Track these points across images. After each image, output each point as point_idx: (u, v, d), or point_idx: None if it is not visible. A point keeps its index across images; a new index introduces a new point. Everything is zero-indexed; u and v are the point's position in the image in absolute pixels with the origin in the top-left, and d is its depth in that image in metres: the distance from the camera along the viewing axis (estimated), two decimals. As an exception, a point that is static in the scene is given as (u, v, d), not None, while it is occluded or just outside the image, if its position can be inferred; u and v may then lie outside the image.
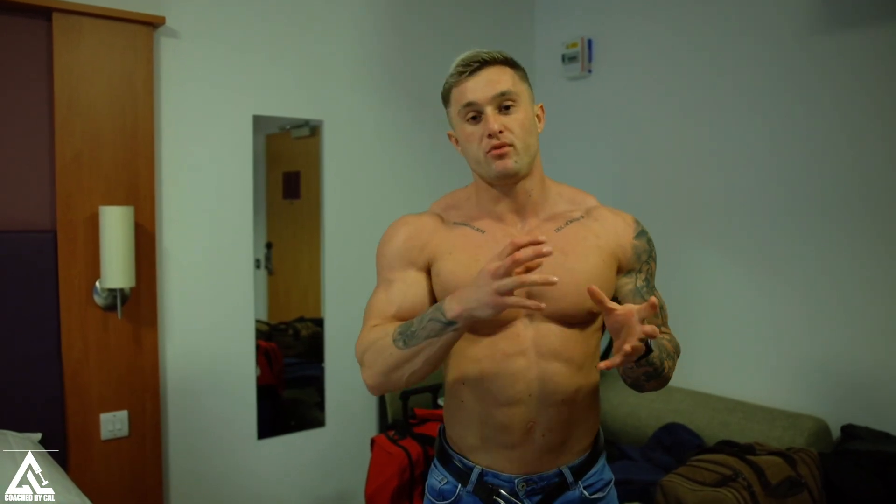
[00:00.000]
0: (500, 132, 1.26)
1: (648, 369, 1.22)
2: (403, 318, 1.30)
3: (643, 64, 3.06)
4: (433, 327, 1.16)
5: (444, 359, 1.22)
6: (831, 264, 2.50)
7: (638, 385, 1.29)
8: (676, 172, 2.96)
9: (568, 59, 3.27)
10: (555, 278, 1.06)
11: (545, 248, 1.05)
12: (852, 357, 2.45)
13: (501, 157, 1.26)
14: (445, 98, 1.34)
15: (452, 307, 1.13)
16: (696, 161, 2.89)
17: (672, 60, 2.95)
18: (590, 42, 3.24)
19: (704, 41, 2.84)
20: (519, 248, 1.06)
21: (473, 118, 1.29)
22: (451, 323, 1.14)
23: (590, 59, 3.25)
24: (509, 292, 1.06)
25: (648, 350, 1.17)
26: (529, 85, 1.34)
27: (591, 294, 1.12)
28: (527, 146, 1.29)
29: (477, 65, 1.28)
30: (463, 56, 1.30)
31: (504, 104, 1.28)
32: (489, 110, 1.27)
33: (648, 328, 1.09)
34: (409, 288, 1.33)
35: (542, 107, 1.37)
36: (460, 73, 1.29)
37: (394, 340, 1.20)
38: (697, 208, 2.89)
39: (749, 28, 2.69)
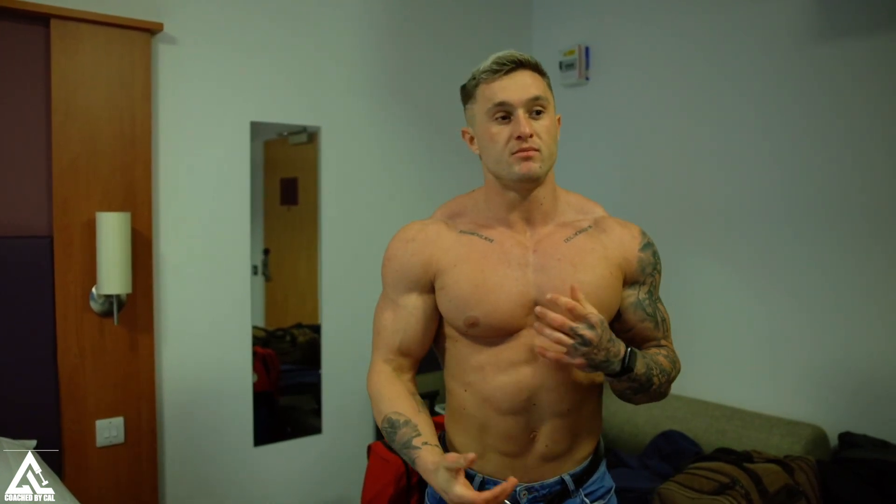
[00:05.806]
0: (531, 136, 1.26)
1: (633, 384, 1.26)
2: (405, 351, 1.38)
3: (641, 71, 3.07)
4: (405, 454, 1.27)
5: None
6: (830, 272, 2.50)
7: (626, 397, 1.32)
8: (675, 179, 2.97)
9: (565, 66, 3.28)
10: None
11: None
12: (850, 365, 2.45)
13: (527, 159, 1.26)
14: (469, 93, 1.33)
15: (420, 469, 1.23)
16: (695, 168, 2.90)
17: (670, 67, 2.96)
18: (587, 49, 3.25)
19: (703, 48, 2.84)
20: None
21: (503, 118, 1.28)
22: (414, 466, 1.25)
23: (587, 67, 3.26)
24: None
25: (625, 369, 1.22)
26: (553, 94, 1.35)
27: (572, 292, 1.18)
28: (551, 153, 1.30)
29: (512, 65, 1.28)
30: (498, 54, 1.29)
31: (535, 109, 1.28)
32: (521, 113, 1.26)
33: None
34: (410, 316, 1.36)
35: (559, 118, 1.37)
36: (494, 72, 1.28)
37: (382, 422, 1.33)
38: (695, 215, 2.89)
39: (748, 35, 2.70)
